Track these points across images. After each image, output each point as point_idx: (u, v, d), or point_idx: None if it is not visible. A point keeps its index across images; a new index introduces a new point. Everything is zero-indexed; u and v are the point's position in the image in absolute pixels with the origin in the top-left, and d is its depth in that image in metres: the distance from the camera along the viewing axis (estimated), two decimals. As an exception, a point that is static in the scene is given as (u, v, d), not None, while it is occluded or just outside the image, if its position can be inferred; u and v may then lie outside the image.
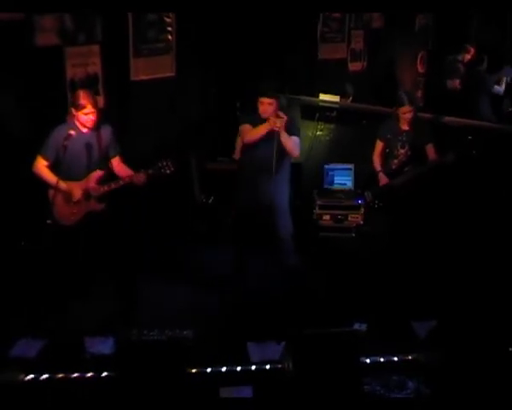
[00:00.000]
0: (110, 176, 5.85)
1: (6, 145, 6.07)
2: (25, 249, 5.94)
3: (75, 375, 4.90)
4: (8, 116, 6.13)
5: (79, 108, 5.56)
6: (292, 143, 5.98)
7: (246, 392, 4.70)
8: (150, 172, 5.71)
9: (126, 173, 5.82)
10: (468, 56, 9.96)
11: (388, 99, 7.59)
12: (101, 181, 5.77)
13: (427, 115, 7.68)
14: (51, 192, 5.63)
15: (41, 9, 6.17)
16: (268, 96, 5.94)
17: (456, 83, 9.70)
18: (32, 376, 4.87)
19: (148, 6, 7.17)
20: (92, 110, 5.58)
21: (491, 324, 5.49)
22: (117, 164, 5.88)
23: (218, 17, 7.81)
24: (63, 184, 5.62)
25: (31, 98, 6.25)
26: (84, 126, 5.64)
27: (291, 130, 6.00)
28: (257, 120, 6.01)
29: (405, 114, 6.63)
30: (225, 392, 4.68)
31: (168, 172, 5.70)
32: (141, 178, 5.72)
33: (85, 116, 5.59)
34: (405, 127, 6.71)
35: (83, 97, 5.56)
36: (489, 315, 5.66)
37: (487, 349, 5.09)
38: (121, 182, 5.77)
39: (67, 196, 5.70)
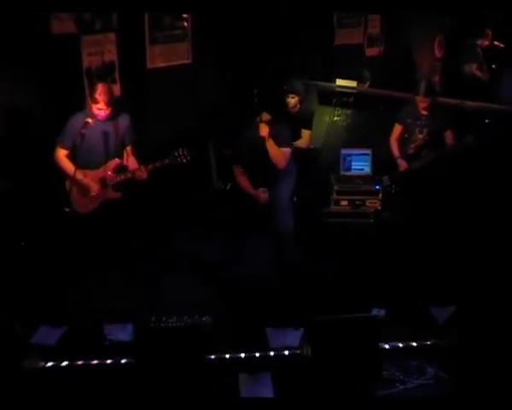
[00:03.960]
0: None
1: (22, 135, 6.10)
2: (43, 237, 5.96)
3: (94, 362, 4.94)
4: (24, 105, 6.16)
5: (94, 101, 5.60)
6: (277, 154, 6.10)
7: (267, 391, 4.70)
8: (167, 161, 5.70)
9: (133, 165, 5.81)
10: (485, 42, 9.87)
11: (405, 84, 7.53)
12: (117, 170, 5.78)
13: (452, 101, 7.60)
14: (68, 183, 5.67)
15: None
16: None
17: (473, 67, 9.62)
18: (51, 363, 4.91)
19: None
20: (104, 107, 5.60)
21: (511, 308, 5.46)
22: (127, 154, 5.88)
23: (233, 3, 7.77)
24: (81, 176, 5.64)
25: (48, 87, 6.28)
26: (97, 118, 5.67)
27: (281, 140, 6.10)
28: None
29: (420, 102, 6.61)
30: (246, 391, 4.68)
31: (184, 161, 5.68)
32: (142, 173, 5.70)
33: (97, 111, 5.63)
34: (424, 112, 6.68)
35: (99, 93, 5.59)
36: (509, 300, 5.62)
37: (506, 334, 5.06)
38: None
39: (85, 189, 5.71)
